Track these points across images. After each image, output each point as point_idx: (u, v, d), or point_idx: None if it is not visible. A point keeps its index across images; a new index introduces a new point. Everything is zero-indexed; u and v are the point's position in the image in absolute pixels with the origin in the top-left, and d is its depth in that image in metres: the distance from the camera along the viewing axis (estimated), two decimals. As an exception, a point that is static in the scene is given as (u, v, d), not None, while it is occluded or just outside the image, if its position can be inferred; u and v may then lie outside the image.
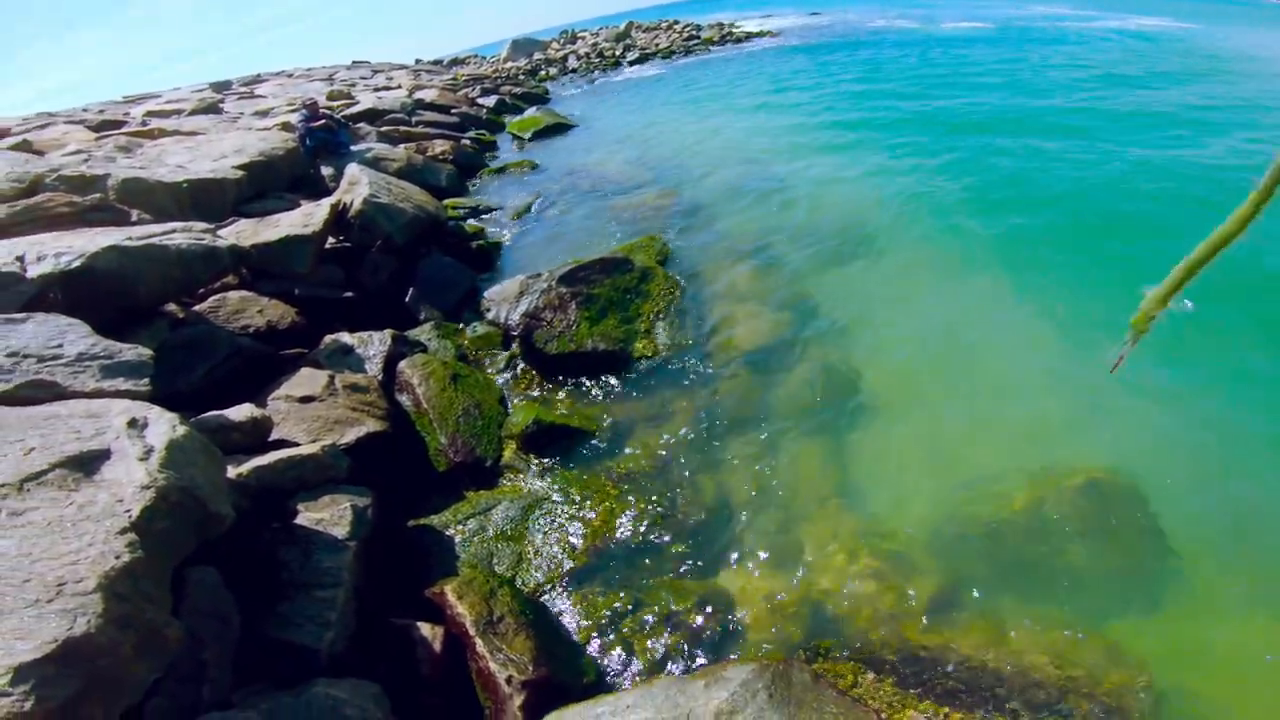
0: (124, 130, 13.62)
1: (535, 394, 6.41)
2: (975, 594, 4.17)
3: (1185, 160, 10.67)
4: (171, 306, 5.87)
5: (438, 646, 3.62)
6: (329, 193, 9.64)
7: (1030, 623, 3.94)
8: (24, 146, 11.36)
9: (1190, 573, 4.18)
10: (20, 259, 5.19)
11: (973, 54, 24.30)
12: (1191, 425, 5.28)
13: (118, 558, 2.77)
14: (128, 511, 2.99)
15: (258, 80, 30.27)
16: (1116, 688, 3.56)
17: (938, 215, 9.44)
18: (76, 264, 5.16)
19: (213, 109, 17.89)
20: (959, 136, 13.18)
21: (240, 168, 9.39)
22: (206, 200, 8.43)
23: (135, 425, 3.60)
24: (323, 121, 12.05)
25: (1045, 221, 8.84)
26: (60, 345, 4.34)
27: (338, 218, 8.07)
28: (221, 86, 27.53)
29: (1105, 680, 3.59)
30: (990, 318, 6.94)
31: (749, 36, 41.30)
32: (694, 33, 42.71)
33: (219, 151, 10.20)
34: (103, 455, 3.33)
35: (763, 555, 4.59)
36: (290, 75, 32.46)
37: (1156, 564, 4.26)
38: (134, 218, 7.65)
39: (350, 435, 4.79)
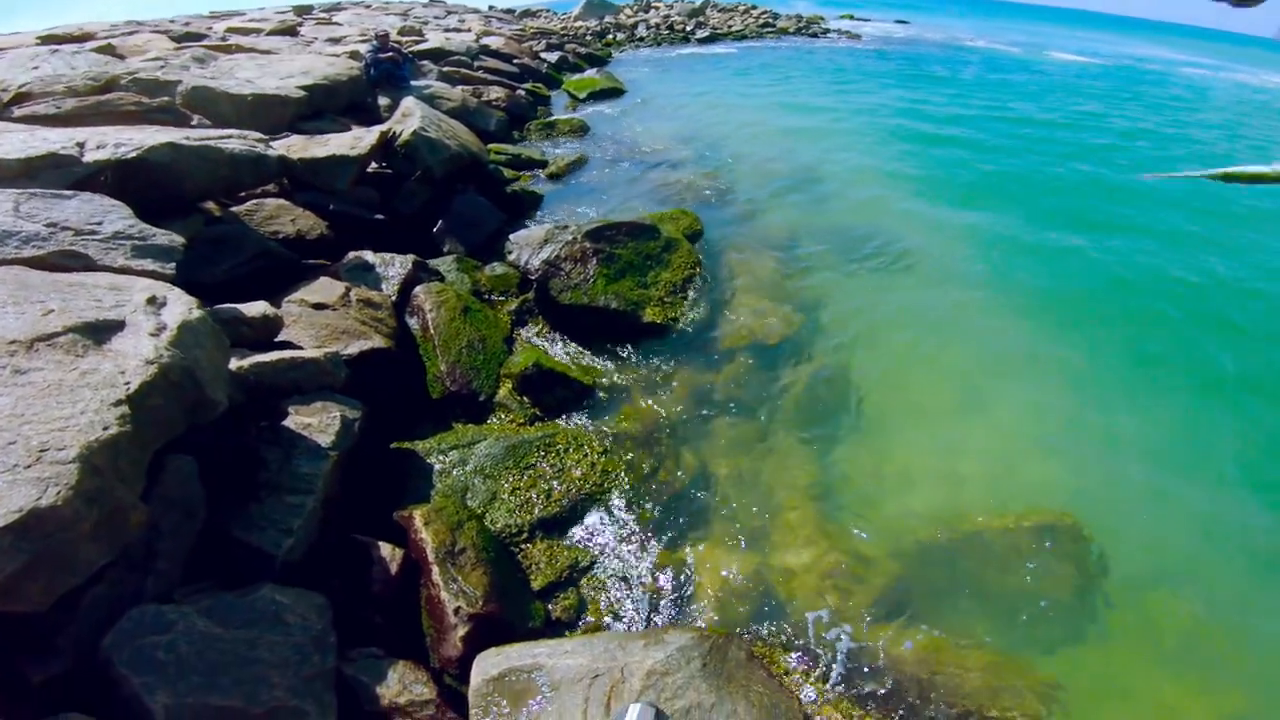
0: (204, 43, 13.66)
1: (540, 340, 6.34)
2: (918, 608, 4.14)
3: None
4: (210, 204, 5.92)
5: (394, 568, 3.55)
6: (382, 122, 9.63)
7: (961, 644, 3.93)
8: (107, 50, 11.41)
9: (1121, 620, 4.19)
10: (80, 145, 5.20)
11: (1076, 88, 23.51)
12: (1157, 482, 5.27)
13: (105, 429, 2.72)
14: (127, 384, 2.95)
15: (337, 8, 30.12)
16: (1025, 716, 3.57)
17: (978, 247, 9.19)
18: (132, 155, 5.15)
19: (290, 31, 17.84)
20: (1027, 171, 12.77)
21: (303, 88, 9.36)
22: (266, 114, 8.45)
23: (154, 302, 3.57)
24: (390, 54, 11.97)
25: (1084, 272, 8.61)
26: (100, 223, 4.36)
27: (384, 145, 8.06)
28: (303, 10, 27.42)
29: (1016, 708, 3.59)
30: (999, 351, 6.82)
31: (826, 33, 40.15)
32: (770, 20, 41.46)
33: (287, 71, 10.19)
34: (117, 326, 3.28)
35: (728, 536, 4.54)
36: (368, 6, 32.24)
37: (1091, 608, 4.27)
38: (194, 122, 7.74)
39: (355, 347, 4.74)
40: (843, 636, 3.92)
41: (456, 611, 3.39)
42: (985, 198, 11.07)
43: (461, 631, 3.34)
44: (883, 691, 3.66)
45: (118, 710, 2.50)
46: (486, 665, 3.10)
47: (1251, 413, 6.13)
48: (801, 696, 3.54)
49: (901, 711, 3.57)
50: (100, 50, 11.10)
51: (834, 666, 3.77)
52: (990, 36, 44.12)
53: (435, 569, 3.55)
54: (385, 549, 3.62)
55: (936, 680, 3.72)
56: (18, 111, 6.76)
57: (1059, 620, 4.17)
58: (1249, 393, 6.39)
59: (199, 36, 15.26)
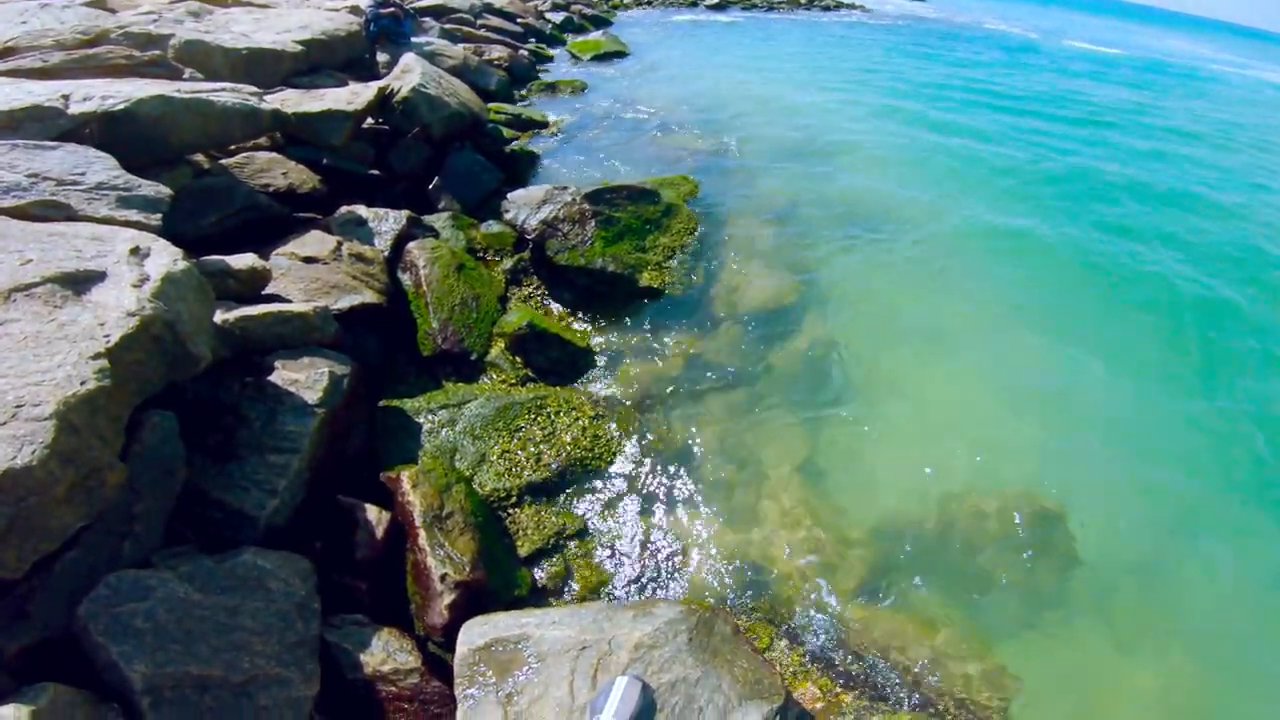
0: (201, -3, 13.31)
1: (535, 300, 6.18)
2: (896, 588, 4.10)
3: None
4: (200, 157, 5.70)
5: (380, 532, 3.42)
6: (381, 79, 9.38)
7: (939, 624, 3.91)
8: (98, 3, 11.13)
9: (1096, 607, 4.18)
10: (66, 97, 4.98)
11: (1086, 77, 23.04)
12: (1141, 473, 5.25)
13: (83, 384, 2.56)
14: (106, 336, 2.78)
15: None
16: (986, 700, 3.56)
17: (978, 231, 9.00)
18: (120, 107, 4.93)
19: (291, -16, 17.42)
20: (1033, 153, 12.53)
21: (300, 43, 9.08)
22: (260, 69, 8.20)
23: (137, 253, 3.37)
24: (391, 10, 11.59)
25: (1084, 263, 8.43)
26: (84, 173, 4.17)
27: (382, 101, 7.81)
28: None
29: (979, 691, 3.59)
30: (996, 334, 6.70)
31: (838, 6, 39.13)
32: (780, -11, 40.51)
33: (284, 26, 9.88)
34: (97, 277, 3.11)
35: (715, 507, 4.45)
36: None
37: (1068, 593, 4.25)
38: (186, 76, 7.51)
39: (345, 302, 4.58)
40: (825, 613, 3.89)
41: (443, 578, 3.28)
42: (990, 184, 10.80)
43: (448, 599, 3.24)
44: (861, 669, 3.64)
45: (95, 680, 2.39)
46: (473, 634, 3.02)
47: (1242, 406, 6.10)
48: (784, 672, 3.51)
49: (878, 689, 3.56)
50: (91, 4, 10.77)
51: (815, 643, 3.74)
52: (1010, 20, 43.14)
53: (422, 533, 3.43)
54: (371, 512, 3.48)
55: (913, 660, 3.71)
56: (3, 66, 6.55)
57: (1036, 604, 4.16)
58: (1240, 385, 6.36)
59: (197, -11, 14.83)
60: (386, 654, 2.99)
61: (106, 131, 4.92)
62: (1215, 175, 12.80)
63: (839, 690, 3.51)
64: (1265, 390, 6.30)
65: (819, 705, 3.40)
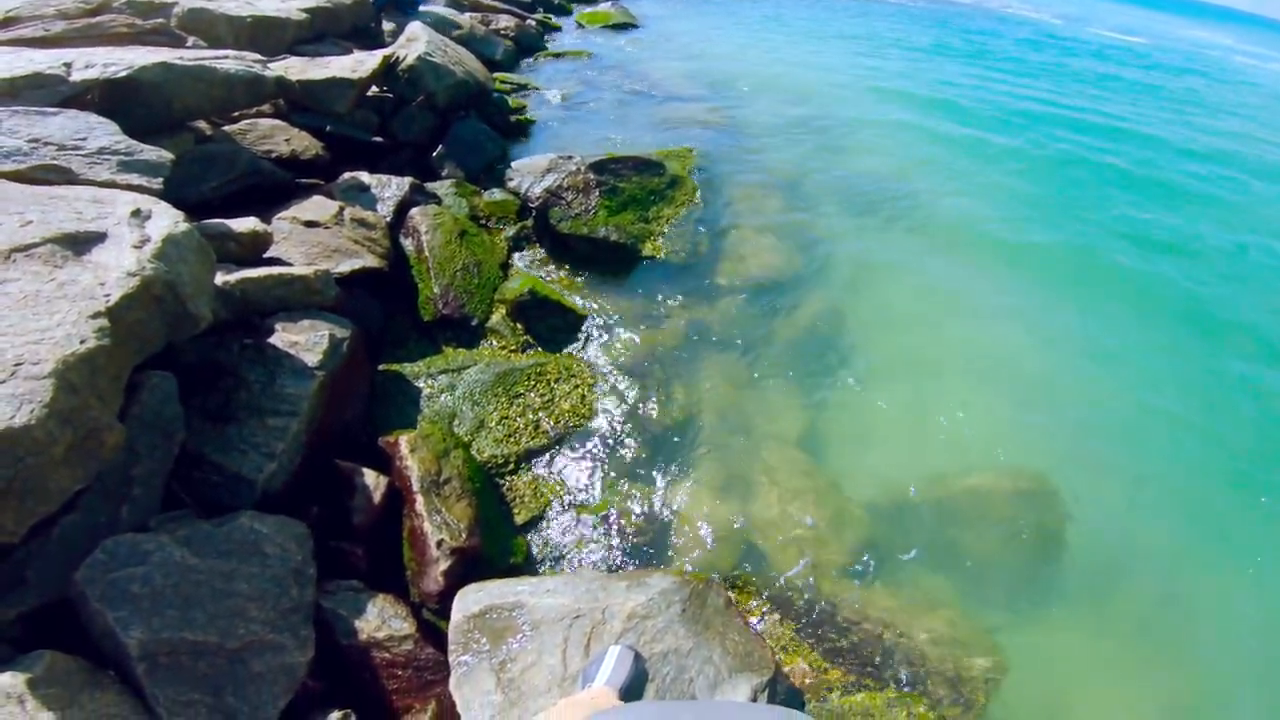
0: (205, -35, 13.15)
1: (537, 268, 6.11)
2: (889, 565, 4.05)
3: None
4: (202, 123, 5.64)
5: (377, 498, 3.37)
6: (386, 46, 9.30)
7: (927, 604, 3.86)
8: (101, -27, 11.02)
9: (1086, 597, 4.13)
10: (68, 65, 4.91)
11: (1104, 68, 22.56)
12: (1143, 459, 5.20)
13: (82, 342, 2.52)
14: (107, 295, 2.74)
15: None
16: (973, 678, 3.53)
17: (988, 211, 8.88)
18: (122, 74, 4.85)
19: (298, -46, 17.18)
20: (1050, 144, 12.28)
21: (305, 10, 8.92)
22: (265, 37, 8.07)
23: (138, 215, 3.31)
24: (399, -23, 11.54)
25: (1097, 248, 8.33)
26: (85, 138, 4.13)
27: (387, 69, 7.74)
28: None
29: (968, 670, 3.56)
30: (1000, 316, 6.60)
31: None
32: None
33: (289, -7, 9.83)
34: (98, 238, 3.05)
35: (711, 478, 4.40)
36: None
37: (1062, 576, 4.21)
38: (189, 43, 7.44)
39: (346, 266, 4.52)
40: (817, 588, 3.85)
41: (439, 544, 3.24)
42: (1000, 171, 10.59)
43: (443, 565, 3.20)
44: (851, 645, 3.62)
45: (91, 646, 2.38)
46: (468, 601, 2.99)
47: (1243, 399, 6.04)
48: (774, 645, 3.50)
49: (866, 665, 3.54)
50: (94, -27, 10.66)
51: (807, 617, 3.71)
52: (1038, 6, 42.12)
53: (419, 499, 3.38)
54: (370, 477, 3.43)
55: (903, 637, 3.67)
56: (4, 35, 6.50)
57: (1030, 585, 4.12)
58: (1241, 379, 6.28)
59: (203, -41, 14.66)
60: (381, 620, 2.97)
61: (108, 98, 4.86)
62: (1227, 174, 12.53)
63: (828, 665, 3.50)
64: (1265, 384, 6.23)
65: (808, 680, 3.40)
